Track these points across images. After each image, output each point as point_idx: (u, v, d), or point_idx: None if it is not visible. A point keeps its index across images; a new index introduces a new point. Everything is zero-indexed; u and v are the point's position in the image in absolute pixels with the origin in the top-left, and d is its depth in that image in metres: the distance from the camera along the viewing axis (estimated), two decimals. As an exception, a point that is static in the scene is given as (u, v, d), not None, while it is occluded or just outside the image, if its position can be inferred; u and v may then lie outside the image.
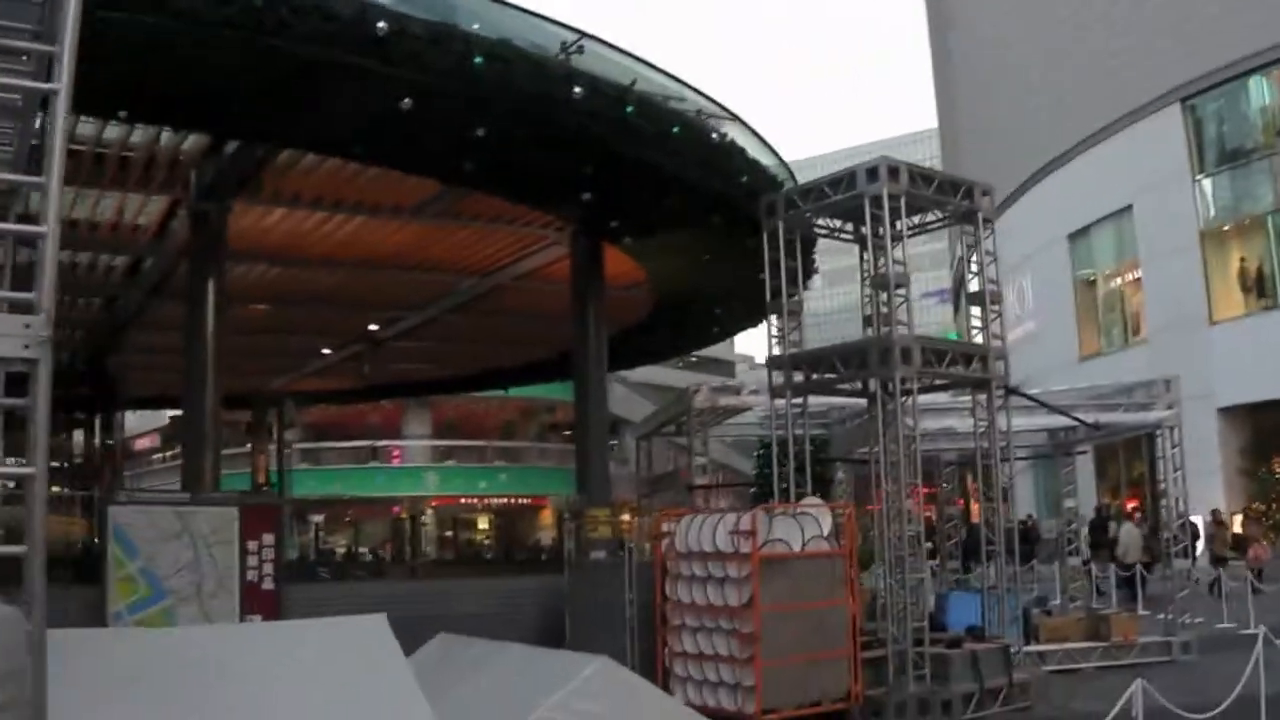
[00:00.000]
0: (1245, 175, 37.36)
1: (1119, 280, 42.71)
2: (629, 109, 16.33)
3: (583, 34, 16.57)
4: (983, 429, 17.89)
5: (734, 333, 27.77)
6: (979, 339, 18.09)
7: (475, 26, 15.68)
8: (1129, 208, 40.53)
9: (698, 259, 21.73)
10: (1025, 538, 39.06)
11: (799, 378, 18.17)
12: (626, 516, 20.72)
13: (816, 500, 16.68)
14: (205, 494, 17.46)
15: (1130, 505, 38.26)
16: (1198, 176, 38.05)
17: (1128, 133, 40.18)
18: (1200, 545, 31.87)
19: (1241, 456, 35.89)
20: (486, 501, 50.50)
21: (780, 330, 18.34)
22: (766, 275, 18.34)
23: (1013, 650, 17.34)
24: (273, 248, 21.83)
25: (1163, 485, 21.31)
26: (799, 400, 18.38)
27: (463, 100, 15.18)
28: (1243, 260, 37.62)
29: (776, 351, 18.45)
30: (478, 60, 14.88)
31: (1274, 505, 34.45)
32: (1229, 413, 36.11)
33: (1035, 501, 44.36)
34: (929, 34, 60.20)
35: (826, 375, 17.86)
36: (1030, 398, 19.86)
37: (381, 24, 14.22)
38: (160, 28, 13.25)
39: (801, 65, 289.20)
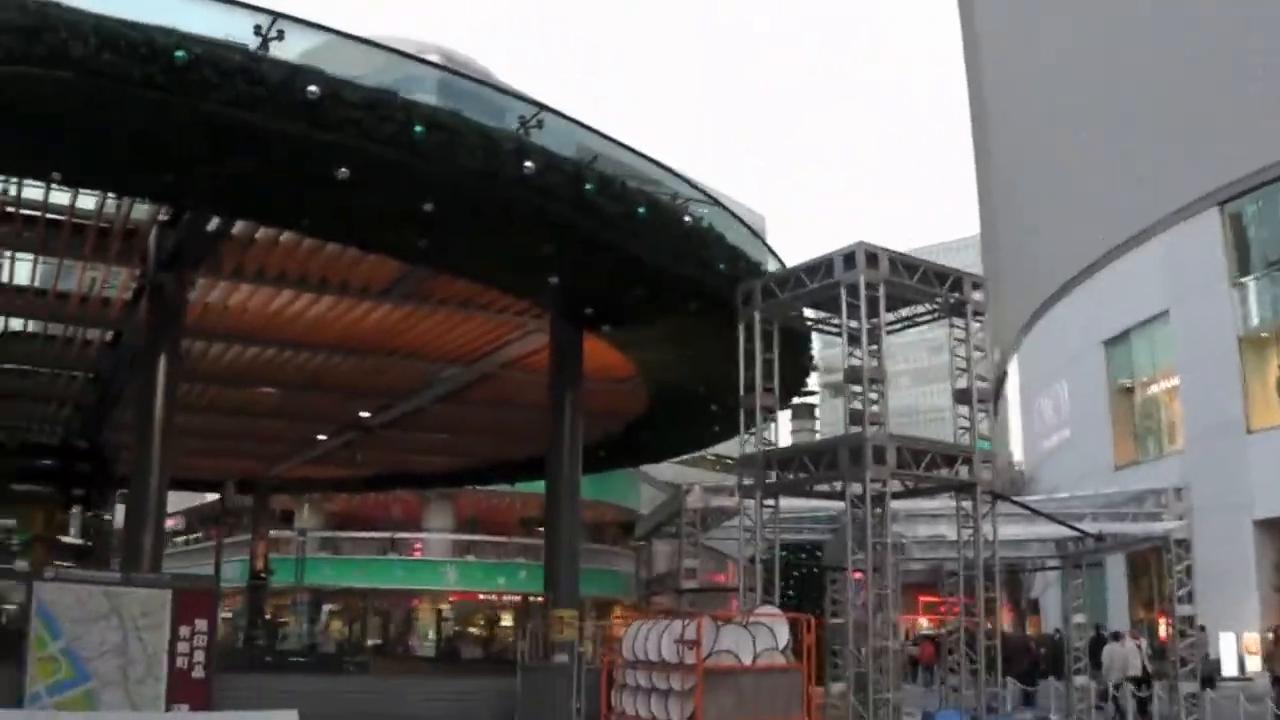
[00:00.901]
0: (1286, 281, 35.58)
1: (1156, 387, 40.78)
2: (588, 187, 15.20)
3: (543, 107, 15.54)
4: (968, 537, 16.39)
5: (737, 431, 26.39)
6: (966, 439, 16.60)
7: (426, 97, 14.76)
8: (1165, 313, 38.77)
9: (684, 350, 20.46)
10: (1055, 652, 36.68)
11: (773, 478, 16.79)
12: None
13: (773, 610, 15.19)
14: (138, 575, 16.32)
15: (1161, 619, 36.01)
16: (1236, 281, 36.30)
17: (1164, 236, 38.57)
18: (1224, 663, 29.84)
19: (1278, 571, 33.66)
20: (504, 598, 48.76)
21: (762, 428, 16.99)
22: (741, 368, 17.08)
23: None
24: (248, 327, 20.83)
25: (1175, 599, 19.53)
26: (770, 502, 16.98)
27: (404, 172, 14.12)
28: (1282, 368, 35.70)
29: (750, 450, 17.05)
30: (418, 129, 13.83)
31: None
32: (1266, 525, 33.93)
33: (1066, 614, 42.08)
34: (972, 140, 59.14)
35: (800, 475, 16.44)
36: (1020, 504, 18.27)
37: (313, 88, 13.25)
38: (76, 86, 12.40)
39: (846, 175, 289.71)
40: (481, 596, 49.17)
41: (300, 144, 13.49)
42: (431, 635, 47.22)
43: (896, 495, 17.32)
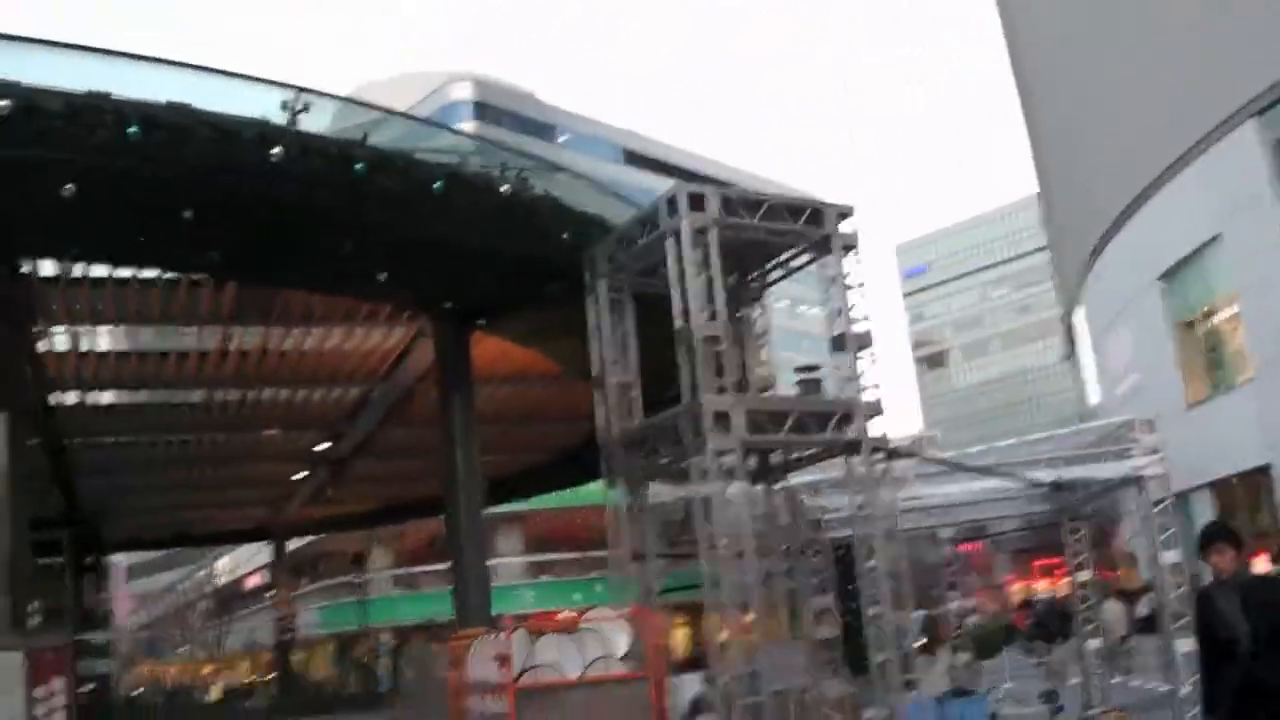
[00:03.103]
0: (1339, 183, 31.44)
1: (1218, 317, 36.69)
2: (358, 167, 13.12)
3: (303, 89, 13.50)
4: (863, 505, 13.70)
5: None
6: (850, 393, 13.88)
7: (178, 98, 12.83)
8: (1217, 238, 34.81)
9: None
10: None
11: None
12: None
13: (608, 612, 12.85)
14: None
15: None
16: (1286, 192, 32.31)
17: (1206, 157, 34.61)
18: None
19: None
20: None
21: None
22: (590, 345, 14.70)
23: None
24: (133, 372, 19.37)
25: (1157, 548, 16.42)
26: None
27: (137, 179, 12.28)
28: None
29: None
30: (131, 130, 11.96)
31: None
32: (1349, 451, 29.90)
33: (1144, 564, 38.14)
34: (1019, 96, 54.99)
35: (650, 457, 14.02)
36: (928, 459, 15.47)
37: (2, 103, 11.53)
38: None
39: (899, 155, 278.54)
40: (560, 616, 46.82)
41: (11, 167, 11.84)
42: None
43: (792, 466, 15.01)
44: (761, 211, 13.63)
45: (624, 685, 11.89)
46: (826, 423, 13.51)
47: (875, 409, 13.77)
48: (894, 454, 14.05)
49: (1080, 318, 48.52)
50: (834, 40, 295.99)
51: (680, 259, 13.06)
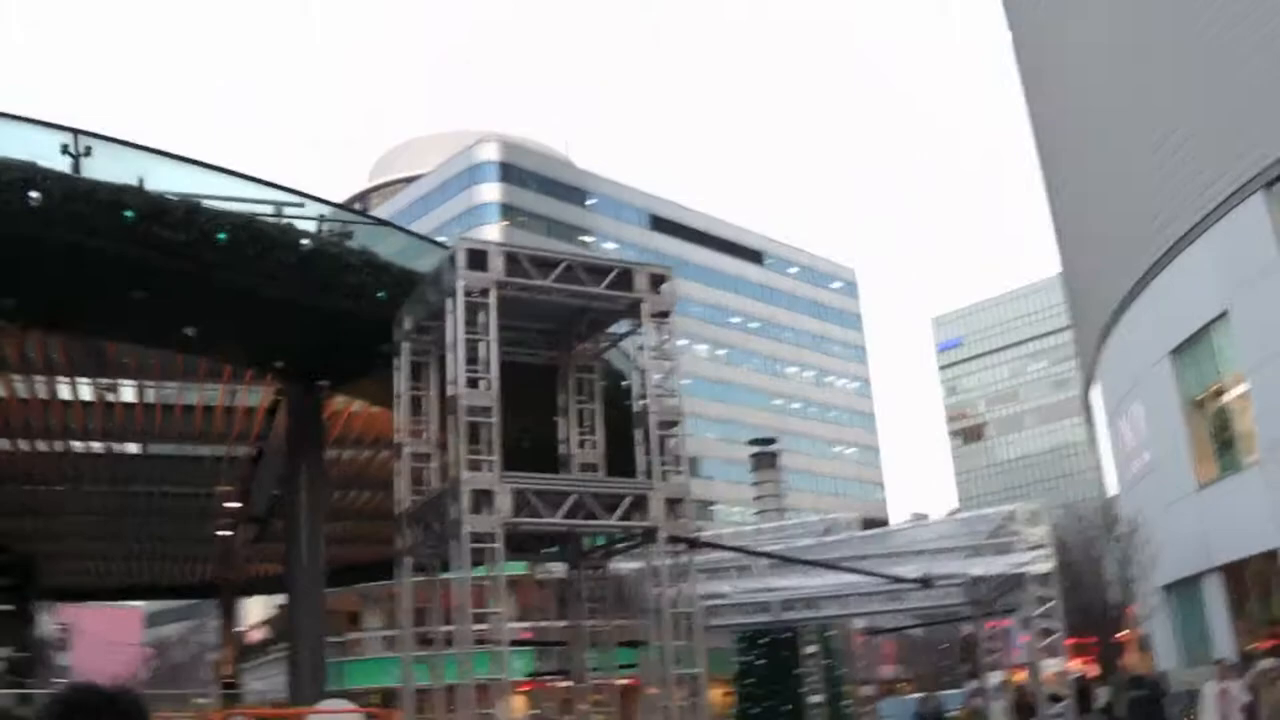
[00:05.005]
0: (1351, 261, 29.31)
1: (1227, 396, 34.44)
2: (128, 214, 12.26)
3: (80, 132, 12.73)
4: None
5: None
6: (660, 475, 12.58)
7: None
8: (1225, 314, 32.75)
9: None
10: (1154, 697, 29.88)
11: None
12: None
13: (343, 704, 11.71)
14: None
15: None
16: (1295, 268, 30.23)
17: (1214, 231, 32.67)
18: None
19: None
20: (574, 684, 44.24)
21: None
22: (396, 412, 13.61)
23: None
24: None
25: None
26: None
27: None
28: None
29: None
30: None
31: None
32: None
33: (1177, 650, 35.72)
34: (1042, 173, 52.80)
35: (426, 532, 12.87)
36: (740, 550, 14.03)
37: None
38: None
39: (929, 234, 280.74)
40: (560, 684, 45.27)
41: None
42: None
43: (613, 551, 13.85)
44: (557, 272, 12.49)
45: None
46: (616, 507, 12.28)
47: (680, 492, 12.52)
48: (695, 544, 12.70)
49: (1097, 395, 46.29)
50: (876, 113, 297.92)
51: (456, 321, 11.97)
